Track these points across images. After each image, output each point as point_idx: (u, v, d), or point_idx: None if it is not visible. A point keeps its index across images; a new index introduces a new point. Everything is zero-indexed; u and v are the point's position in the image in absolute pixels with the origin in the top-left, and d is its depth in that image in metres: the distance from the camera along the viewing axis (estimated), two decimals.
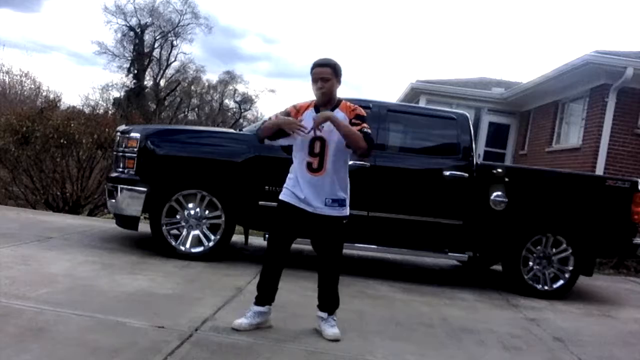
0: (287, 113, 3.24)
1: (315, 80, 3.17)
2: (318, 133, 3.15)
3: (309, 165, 3.19)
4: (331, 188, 3.19)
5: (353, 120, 3.15)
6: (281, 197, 3.26)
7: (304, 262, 5.31)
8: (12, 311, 3.04)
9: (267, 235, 5.00)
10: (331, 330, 3.27)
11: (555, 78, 10.34)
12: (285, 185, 3.28)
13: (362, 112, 3.22)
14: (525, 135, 12.64)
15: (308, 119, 3.17)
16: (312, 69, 3.20)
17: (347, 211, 3.27)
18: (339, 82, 3.24)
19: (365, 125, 3.15)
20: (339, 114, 3.16)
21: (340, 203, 3.23)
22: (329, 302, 3.35)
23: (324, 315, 3.33)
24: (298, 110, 3.25)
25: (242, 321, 3.21)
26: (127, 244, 5.42)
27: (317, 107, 3.24)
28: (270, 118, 3.34)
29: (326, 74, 3.16)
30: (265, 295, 3.29)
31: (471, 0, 56.55)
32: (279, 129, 3.17)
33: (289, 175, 3.30)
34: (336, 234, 3.29)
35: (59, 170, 8.44)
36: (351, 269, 5.33)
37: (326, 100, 3.21)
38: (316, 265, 3.37)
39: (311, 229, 3.28)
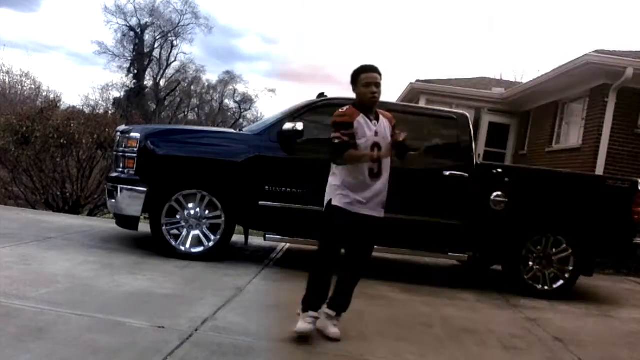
0: (349, 125, 3.17)
1: (368, 84, 3.18)
2: (376, 139, 3.20)
3: (371, 171, 3.21)
4: (385, 191, 3.27)
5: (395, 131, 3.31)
6: (338, 204, 3.18)
7: (305, 262, 5.30)
8: (12, 311, 3.05)
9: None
10: (333, 329, 3.27)
11: (555, 78, 10.33)
12: (338, 192, 3.20)
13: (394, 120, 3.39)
14: (525, 135, 12.63)
15: (364, 126, 3.18)
16: (363, 72, 3.20)
17: None
18: None
19: (400, 134, 3.25)
20: (384, 122, 3.27)
21: (386, 204, 3.32)
22: (343, 302, 3.35)
23: (332, 313, 3.31)
24: (350, 117, 3.20)
25: (305, 326, 3.17)
26: (127, 244, 5.41)
27: (361, 112, 3.23)
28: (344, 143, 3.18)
29: (379, 80, 3.21)
30: (321, 300, 3.28)
31: (472, 1, 56.57)
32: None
33: (343, 182, 3.19)
34: (376, 234, 3.33)
35: (59, 170, 8.45)
36: None
37: (374, 106, 3.23)
38: (345, 266, 3.34)
39: (359, 232, 3.24)
